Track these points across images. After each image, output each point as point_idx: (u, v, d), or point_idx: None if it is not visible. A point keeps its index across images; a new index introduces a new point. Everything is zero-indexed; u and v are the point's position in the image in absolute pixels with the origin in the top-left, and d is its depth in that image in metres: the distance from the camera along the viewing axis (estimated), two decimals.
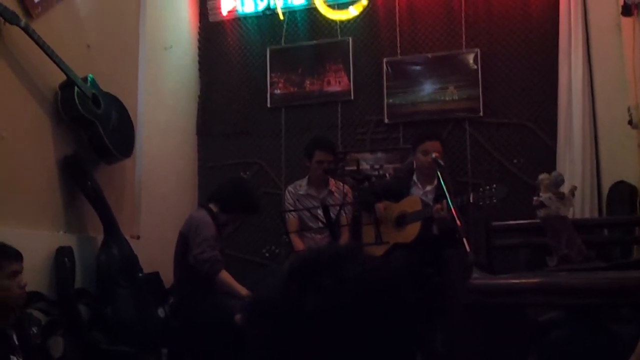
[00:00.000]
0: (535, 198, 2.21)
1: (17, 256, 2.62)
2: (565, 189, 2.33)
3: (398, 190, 3.85)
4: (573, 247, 2.09)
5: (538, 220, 2.27)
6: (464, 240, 3.00)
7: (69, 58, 3.47)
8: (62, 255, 3.35)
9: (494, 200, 3.37)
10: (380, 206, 3.75)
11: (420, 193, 3.79)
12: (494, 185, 3.42)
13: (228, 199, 3.61)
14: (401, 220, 3.71)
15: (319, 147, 4.05)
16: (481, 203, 3.41)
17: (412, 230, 3.63)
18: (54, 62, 3.32)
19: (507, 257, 3.68)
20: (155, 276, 3.91)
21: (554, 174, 2.20)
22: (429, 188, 3.77)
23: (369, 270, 0.88)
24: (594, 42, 4.15)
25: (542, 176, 2.22)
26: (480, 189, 3.46)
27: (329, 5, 4.95)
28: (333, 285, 0.83)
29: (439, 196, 3.66)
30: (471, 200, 3.42)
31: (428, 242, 3.55)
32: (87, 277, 3.56)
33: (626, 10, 3.72)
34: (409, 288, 0.90)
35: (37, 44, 3.23)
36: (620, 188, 3.86)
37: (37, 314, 2.92)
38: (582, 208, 3.99)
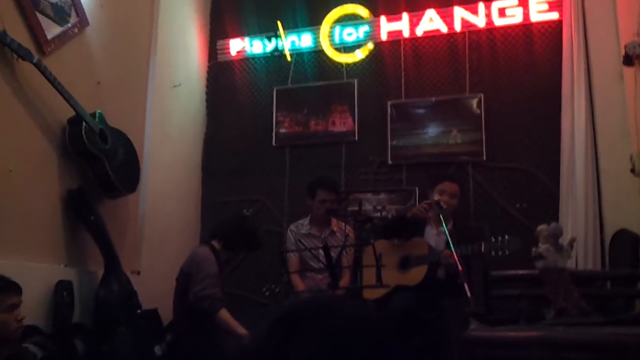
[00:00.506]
0: (533, 249, 2.22)
1: (16, 289, 2.62)
2: (565, 239, 2.34)
3: (414, 226, 3.80)
4: (570, 300, 2.08)
5: (537, 271, 2.26)
6: (465, 285, 2.98)
7: (79, 94, 3.55)
8: (62, 289, 3.36)
9: (507, 252, 3.30)
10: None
11: (433, 232, 3.76)
12: (507, 237, 3.35)
13: (231, 236, 3.61)
14: (405, 263, 3.66)
15: (322, 186, 4.07)
16: (493, 254, 3.35)
17: (418, 274, 3.58)
18: (64, 97, 3.40)
19: (506, 307, 3.63)
20: (153, 313, 3.89)
21: (552, 225, 2.20)
22: (443, 229, 3.72)
23: (355, 325, 0.88)
24: (597, 90, 4.20)
25: (541, 227, 2.22)
26: (493, 238, 3.39)
27: (336, 49, 5.06)
28: (316, 337, 0.84)
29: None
30: (482, 250, 3.36)
31: (433, 287, 3.51)
32: (85, 312, 3.55)
33: (627, 60, 3.79)
34: (396, 341, 0.92)
35: (48, 79, 3.31)
36: (623, 236, 3.85)
37: (33, 348, 2.90)
38: (585, 255, 3.96)
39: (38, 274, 3.23)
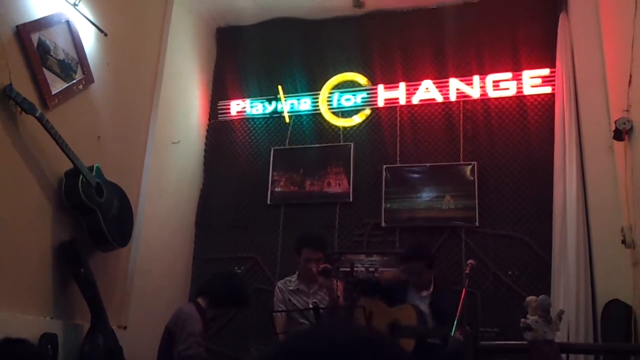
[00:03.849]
0: (522, 320, 2.21)
1: None
2: (555, 309, 2.33)
3: (397, 290, 3.82)
4: None
5: (526, 342, 2.25)
6: None
7: (79, 147, 3.62)
8: (46, 342, 3.32)
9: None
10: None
11: (416, 297, 3.76)
12: (495, 329, 3.31)
13: (217, 293, 3.55)
14: (393, 330, 3.62)
15: (307, 244, 3.98)
16: None
17: (406, 345, 3.52)
18: (63, 150, 3.47)
19: None
20: None
21: (541, 297, 2.20)
22: (425, 293, 3.76)
23: None
24: (588, 162, 4.27)
25: (530, 298, 2.22)
26: (481, 329, 3.37)
27: (334, 113, 5.20)
28: None
29: (434, 302, 3.67)
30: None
31: (421, 356, 3.46)
32: None
33: (617, 135, 3.87)
34: None
35: (49, 133, 3.39)
36: (615, 306, 3.83)
37: None
38: (576, 325, 3.94)
39: (23, 325, 3.19)
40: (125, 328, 4.12)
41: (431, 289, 3.76)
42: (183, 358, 3.28)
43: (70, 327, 3.59)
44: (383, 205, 4.81)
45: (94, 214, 3.63)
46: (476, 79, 4.86)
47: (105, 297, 3.75)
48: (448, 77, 4.94)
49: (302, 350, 0.69)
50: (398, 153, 4.95)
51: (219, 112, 5.55)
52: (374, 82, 5.18)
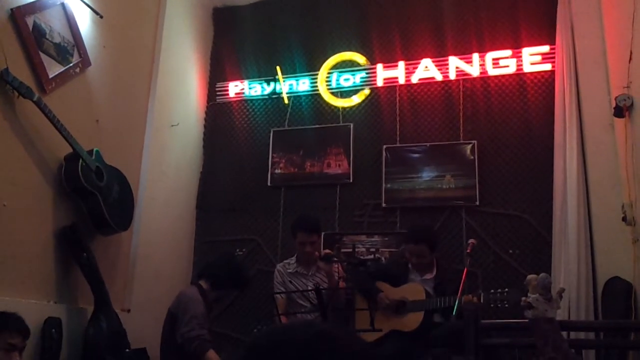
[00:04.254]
0: (523, 298, 2.22)
1: (20, 331, 2.61)
2: (556, 287, 2.34)
3: (396, 273, 3.84)
4: (559, 351, 2.08)
5: (527, 320, 2.26)
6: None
7: (78, 131, 3.60)
8: (50, 326, 3.34)
9: (506, 305, 3.29)
10: (383, 296, 3.73)
11: (418, 279, 3.78)
12: (506, 290, 3.35)
13: (218, 275, 3.58)
14: (401, 307, 3.66)
15: (300, 228, 3.99)
16: (492, 305, 3.35)
17: (414, 319, 3.57)
18: (62, 134, 3.45)
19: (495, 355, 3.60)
20: (142, 352, 3.85)
21: (542, 275, 2.21)
22: (428, 276, 3.77)
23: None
24: (588, 140, 4.26)
25: (530, 277, 2.23)
26: (492, 290, 3.40)
27: (333, 93, 5.17)
28: None
29: (438, 285, 3.69)
30: (482, 300, 3.34)
31: (428, 334, 3.50)
32: (73, 350, 3.52)
33: (618, 112, 3.86)
34: None
35: (47, 117, 3.37)
36: (616, 283, 3.85)
37: None
38: (577, 302, 3.96)
39: (27, 310, 3.16)
40: (128, 311, 4.14)
41: (434, 272, 3.78)
42: (186, 340, 3.31)
43: (74, 311, 3.62)
44: (383, 185, 4.80)
45: (94, 198, 3.63)
46: (476, 57, 4.81)
47: (108, 280, 3.77)
48: (447, 56, 4.89)
49: (267, 347, 0.80)
50: (398, 133, 4.93)
51: (217, 94, 5.51)
52: (372, 61, 5.14)
